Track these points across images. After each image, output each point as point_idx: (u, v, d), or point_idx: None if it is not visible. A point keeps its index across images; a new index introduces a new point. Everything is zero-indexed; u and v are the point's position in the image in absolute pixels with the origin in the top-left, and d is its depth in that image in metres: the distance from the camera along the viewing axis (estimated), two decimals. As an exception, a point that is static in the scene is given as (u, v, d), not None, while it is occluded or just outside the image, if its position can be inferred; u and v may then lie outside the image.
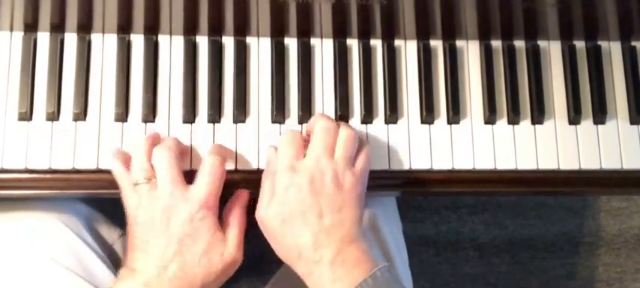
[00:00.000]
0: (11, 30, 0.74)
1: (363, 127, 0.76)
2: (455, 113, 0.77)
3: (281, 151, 0.68)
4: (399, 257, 0.84)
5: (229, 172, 0.73)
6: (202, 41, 0.76)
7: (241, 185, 0.72)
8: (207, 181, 0.67)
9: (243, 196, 0.72)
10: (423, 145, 0.76)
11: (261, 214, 0.67)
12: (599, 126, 0.79)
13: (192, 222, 0.65)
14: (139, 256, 0.66)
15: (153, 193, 0.66)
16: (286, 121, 0.75)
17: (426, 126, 0.77)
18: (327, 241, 0.64)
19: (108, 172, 0.70)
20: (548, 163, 0.77)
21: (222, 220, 0.70)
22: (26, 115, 0.72)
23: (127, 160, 0.69)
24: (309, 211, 0.65)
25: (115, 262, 0.78)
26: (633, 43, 0.81)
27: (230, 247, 0.68)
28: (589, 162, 0.78)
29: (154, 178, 0.67)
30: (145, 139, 0.70)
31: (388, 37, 0.78)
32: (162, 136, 0.72)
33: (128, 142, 0.72)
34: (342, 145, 0.67)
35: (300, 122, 0.75)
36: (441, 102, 0.78)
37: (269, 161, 0.70)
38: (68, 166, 0.71)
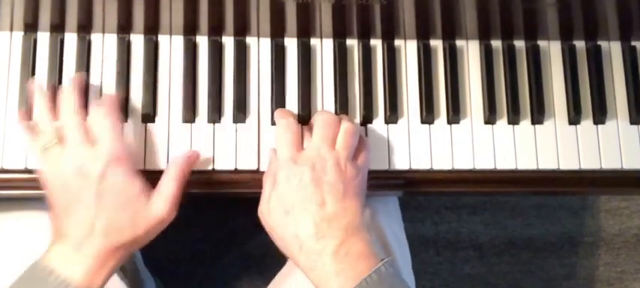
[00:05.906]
0: (11, 30, 0.74)
1: (362, 128, 0.76)
2: (455, 113, 0.77)
3: (279, 140, 0.68)
4: (401, 256, 0.83)
5: (229, 172, 0.73)
6: (202, 41, 0.76)
7: (241, 185, 0.72)
8: (108, 134, 0.66)
9: (183, 159, 0.70)
10: (423, 145, 0.76)
11: (263, 208, 0.67)
12: (599, 126, 0.79)
13: (105, 178, 0.64)
14: (64, 221, 0.65)
15: (62, 156, 0.65)
16: (286, 121, 0.75)
17: (426, 126, 0.77)
18: (330, 230, 0.64)
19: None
20: (548, 163, 0.77)
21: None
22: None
23: (32, 125, 0.69)
24: (311, 200, 0.64)
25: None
26: (633, 43, 0.81)
27: (157, 201, 0.67)
28: (589, 162, 0.78)
29: (62, 136, 0.66)
30: (41, 96, 0.69)
31: (388, 37, 0.78)
32: (65, 87, 0.70)
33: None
34: (343, 136, 0.68)
35: (300, 122, 0.75)
36: (441, 102, 0.78)
37: (270, 161, 0.70)
38: (68, 166, 0.71)
